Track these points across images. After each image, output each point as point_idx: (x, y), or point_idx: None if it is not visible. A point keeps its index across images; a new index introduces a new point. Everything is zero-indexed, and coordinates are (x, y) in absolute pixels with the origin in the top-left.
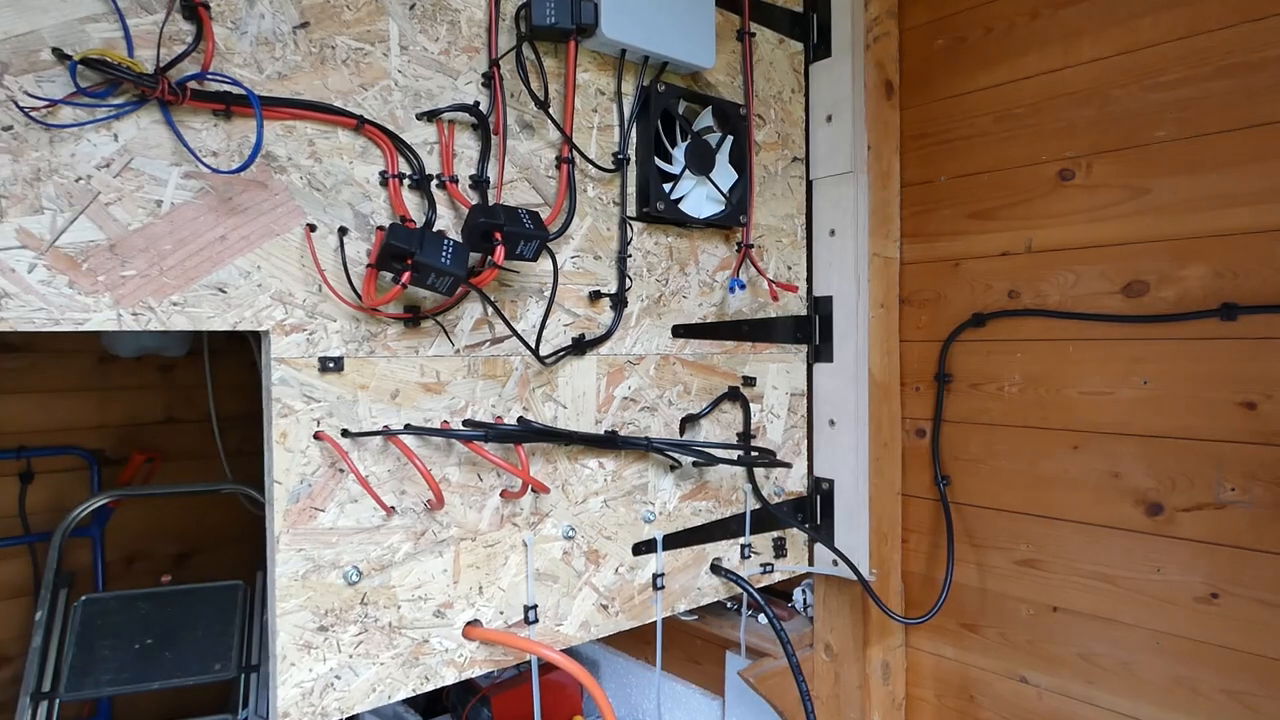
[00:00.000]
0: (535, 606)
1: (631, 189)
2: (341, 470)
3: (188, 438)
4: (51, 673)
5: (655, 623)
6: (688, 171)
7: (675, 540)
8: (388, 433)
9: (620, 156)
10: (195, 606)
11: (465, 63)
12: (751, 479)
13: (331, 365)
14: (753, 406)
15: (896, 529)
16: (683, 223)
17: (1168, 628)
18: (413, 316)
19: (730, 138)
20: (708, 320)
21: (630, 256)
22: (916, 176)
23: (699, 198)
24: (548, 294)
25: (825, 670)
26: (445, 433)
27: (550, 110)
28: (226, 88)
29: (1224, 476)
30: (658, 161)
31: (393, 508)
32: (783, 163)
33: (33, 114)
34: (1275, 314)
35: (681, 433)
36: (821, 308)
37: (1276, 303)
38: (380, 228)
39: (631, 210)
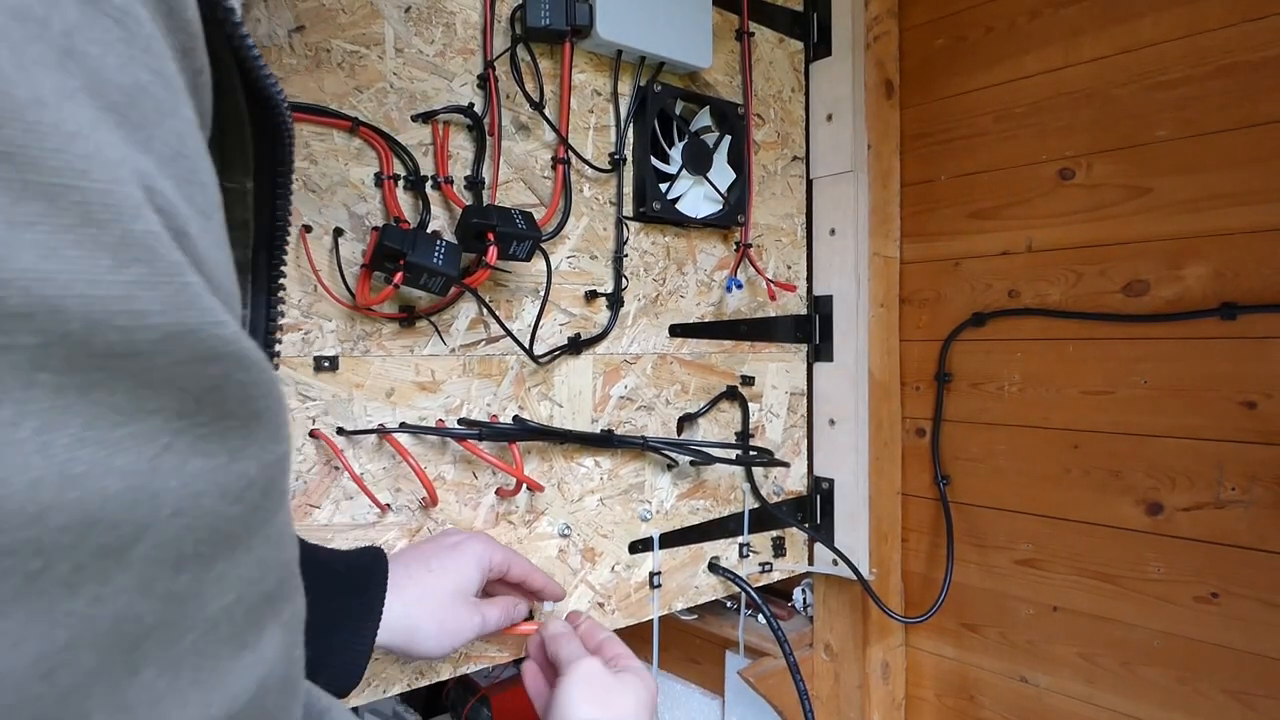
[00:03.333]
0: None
1: (628, 189)
2: (336, 468)
3: None
4: None
5: (652, 621)
6: (685, 171)
7: (672, 539)
8: (383, 431)
9: (617, 157)
10: None
11: (461, 65)
12: (750, 478)
13: (326, 364)
14: (751, 406)
15: (896, 528)
16: (680, 222)
17: (1168, 627)
18: (407, 316)
19: (728, 137)
20: (705, 320)
21: (627, 256)
22: (916, 176)
23: (696, 197)
24: (543, 294)
25: (825, 670)
26: (440, 431)
27: (546, 111)
28: None
29: (1224, 476)
30: (654, 161)
31: (387, 505)
32: (782, 162)
33: None
34: (1275, 314)
35: (679, 432)
36: (822, 307)
37: (1276, 302)
38: (375, 229)
39: (628, 210)
